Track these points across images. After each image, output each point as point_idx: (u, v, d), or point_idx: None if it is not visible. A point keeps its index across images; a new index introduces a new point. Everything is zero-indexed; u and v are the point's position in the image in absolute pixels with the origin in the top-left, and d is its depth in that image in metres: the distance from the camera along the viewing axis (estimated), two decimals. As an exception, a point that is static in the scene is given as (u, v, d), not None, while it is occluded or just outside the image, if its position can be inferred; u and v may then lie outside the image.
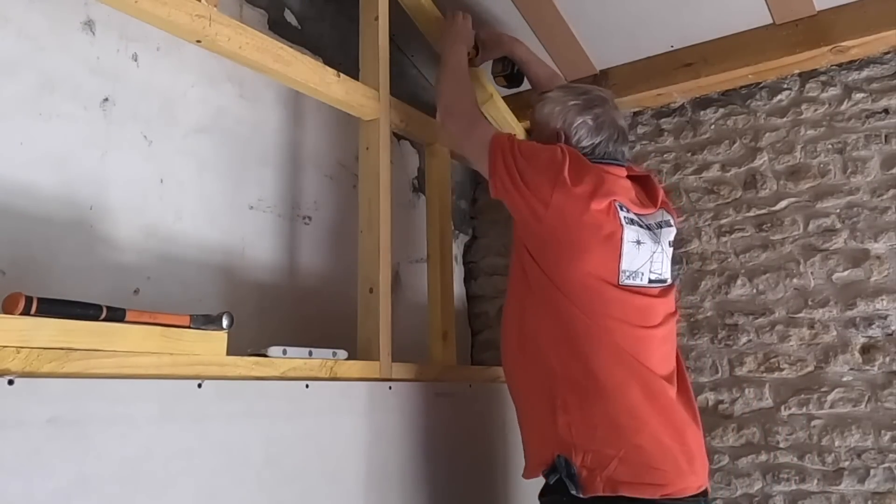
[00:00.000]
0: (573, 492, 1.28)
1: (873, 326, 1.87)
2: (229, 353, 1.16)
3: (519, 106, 2.30)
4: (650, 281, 1.42)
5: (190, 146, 1.54)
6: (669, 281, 1.49)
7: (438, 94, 1.72)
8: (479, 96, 2.17)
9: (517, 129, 2.31)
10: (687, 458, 1.33)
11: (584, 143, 1.51)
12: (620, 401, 1.32)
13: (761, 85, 2.13)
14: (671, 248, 1.50)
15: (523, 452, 1.46)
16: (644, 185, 1.58)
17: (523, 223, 1.46)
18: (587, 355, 1.35)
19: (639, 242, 1.40)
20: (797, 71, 2.06)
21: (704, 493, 1.36)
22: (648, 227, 1.45)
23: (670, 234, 1.51)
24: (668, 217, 1.53)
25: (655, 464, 1.29)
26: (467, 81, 1.72)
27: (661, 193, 1.57)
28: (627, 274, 1.38)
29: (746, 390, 2.01)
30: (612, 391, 1.32)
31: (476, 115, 1.64)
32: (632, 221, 1.41)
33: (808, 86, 2.06)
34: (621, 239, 1.37)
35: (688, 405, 1.42)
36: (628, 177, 1.54)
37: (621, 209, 1.40)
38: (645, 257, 1.41)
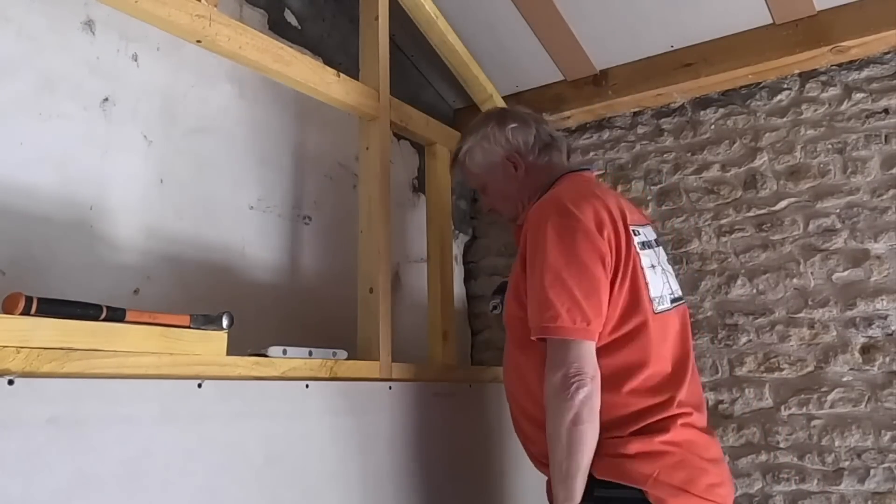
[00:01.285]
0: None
1: (873, 326, 1.87)
2: (229, 353, 1.16)
3: (520, 105, 2.30)
4: (672, 301, 1.37)
5: (190, 146, 1.54)
6: (682, 299, 1.45)
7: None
8: (478, 95, 2.18)
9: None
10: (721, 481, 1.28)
11: (531, 140, 1.47)
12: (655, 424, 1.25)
13: (761, 85, 2.13)
14: (670, 264, 1.47)
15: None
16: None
17: None
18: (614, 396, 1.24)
19: (653, 266, 1.35)
20: (797, 71, 2.06)
21: None
22: (653, 244, 1.41)
23: (663, 251, 1.47)
24: (654, 233, 1.47)
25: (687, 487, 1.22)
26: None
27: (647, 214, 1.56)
28: (657, 301, 1.32)
29: (746, 390, 2.01)
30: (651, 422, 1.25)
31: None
32: (644, 245, 1.35)
33: (808, 86, 2.06)
34: (642, 268, 1.31)
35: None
36: None
37: (635, 234, 1.33)
38: (661, 278, 1.36)
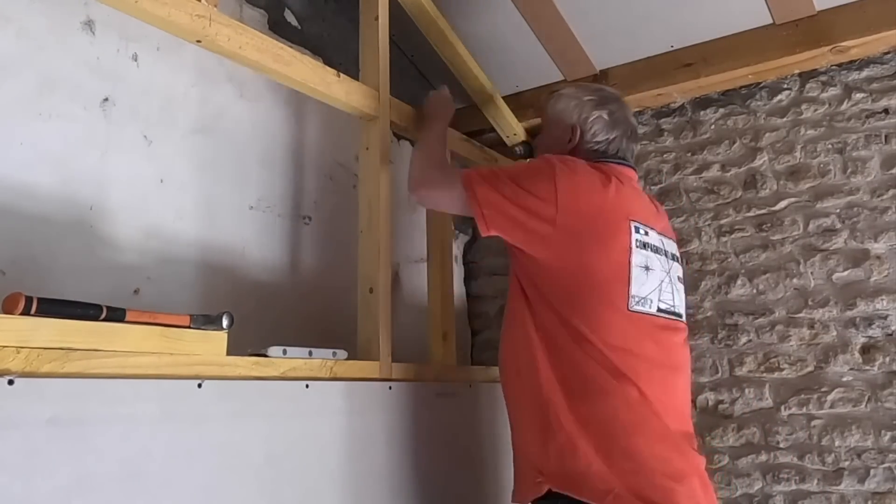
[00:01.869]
0: None
1: (873, 326, 1.87)
2: (229, 353, 1.15)
3: (519, 106, 2.30)
4: (659, 310, 1.37)
5: (190, 146, 1.54)
6: (683, 316, 1.45)
7: (410, 170, 1.60)
8: (478, 95, 2.18)
9: (517, 129, 2.31)
10: (688, 495, 1.26)
11: (600, 138, 1.49)
12: (625, 440, 1.26)
13: (761, 85, 2.13)
14: (681, 284, 1.47)
15: (513, 476, 1.41)
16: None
17: (529, 248, 1.37)
18: (592, 395, 1.29)
19: (647, 268, 1.36)
20: (797, 71, 2.06)
21: None
22: (664, 253, 1.42)
23: (679, 270, 1.47)
24: (677, 252, 1.49)
25: (656, 499, 1.22)
26: (441, 153, 1.64)
27: (667, 220, 1.54)
28: (637, 300, 1.33)
29: (746, 390, 2.01)
30: (617, 429, 1.27)
31: (448, 171, 1.54)
32: (644, 245, 1.36)
33: (808, 86, 2.06)
34: (629, 263, 1.32)
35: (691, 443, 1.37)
36: None
37: (636, 230, 1.35)
38: (654, 284, 1.36)
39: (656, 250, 1.39)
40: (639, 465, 1.24)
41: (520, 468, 1.39)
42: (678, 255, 1.50)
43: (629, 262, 1.32)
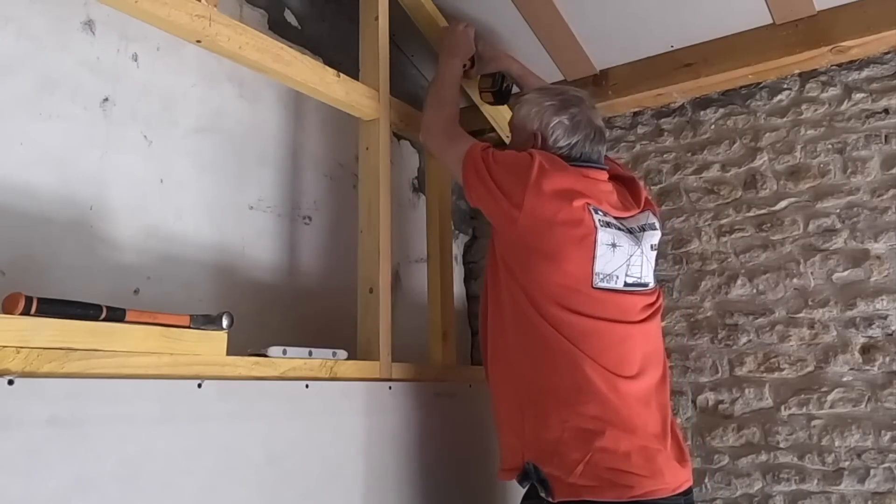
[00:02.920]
0: (544, 496, 1.29)
1: (873, 326, 1.87)
2: (229, 353, 1.16)
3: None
4: (626, 284, 1.41)
5: (190, 146, 1.54)
6: (651, 284, 1.48)
7: (425, 105, 1.73)
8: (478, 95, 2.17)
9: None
10: (662, 459, 1.32)
11: (561, 143, 1.51)
12: (584, 407, 1.31)
13: (761, 85, 2.13)
14: (653, 252, 1.50)
15: (499, 455, 1.46)
16: (628, 186, 1.58)
17: (500, 230, 1.49)
18: (551, 364, 1.35)
19: (614, 245, 1.40)
20: (797, 71, 2.05)
21: (685, 493, 1.35)
22: (629, 231, 1.45)
23: (653, 237, 1.50)
24: (652, 220, 1.52)
25: (622, 467, 1.27)
26: (453, 98, 1.73)
27: (645, 194, 1.57)
28: (601, 277, 1.38)
29: (746, 390, 2.01)
30: (576, 397, 1.32)
31: (454, 130, 1.63)
32: (608, 224, 1.40)
33: (808, 86, 2.06)
34: (595, 241, 1.37)
35: (664, 405, 1.42)
36: (611, 178, 1.54)
37: (596, 212, 1.39)
38: (620, 260, 1.41)
39: (620, 227, 1.43)
40: (597, 434, 1.29)
41: (502, 444, 1.46)
42: (656, 222, 1.52)
43: (595, 241, 1.37)
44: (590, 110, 1.56)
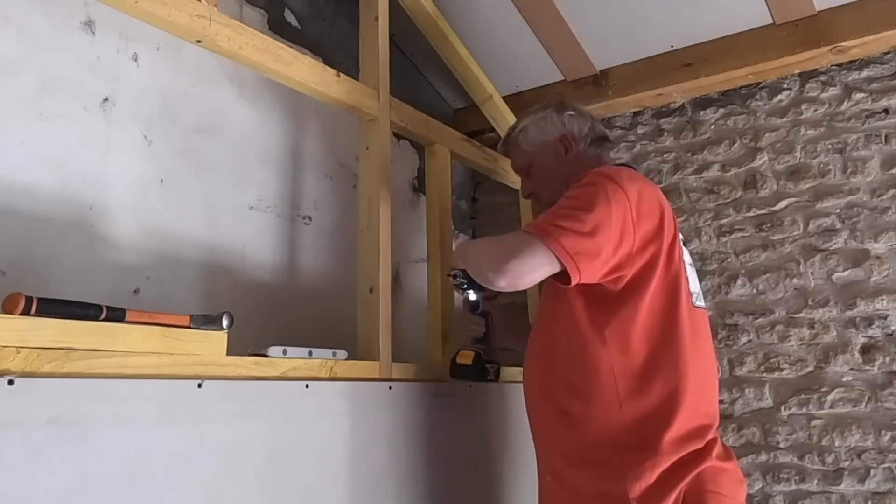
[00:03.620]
0: None
1: (873, 326, 1.87)
2: (229, 353, 1.15)
3: (519, 105, 2.30)
4: (699, 299, 1.37)
5: (190, 146, 1.54)
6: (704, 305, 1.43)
7: (477, 266, 1.31)
8: (478, 95, 2.18)
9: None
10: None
11: (585, 129, 1.49)
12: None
13: (761, 85, 2.13)
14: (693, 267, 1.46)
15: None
16: None
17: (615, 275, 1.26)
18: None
19: (690, 264, 1.37)
20: (797, 71, 2.06)
21: None
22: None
23: (686, 253, 1.44)
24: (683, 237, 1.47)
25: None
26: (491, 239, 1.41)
27: None
28: (695, 296, 1.33)
29: (746, 390, 2.01)
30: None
31: (514, 239, 1.24)
32: (683, 242, 1.36)
33: (808, 86, 2.07)
34: (683, 261, 1.32)
35: None
36: None
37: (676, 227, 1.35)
38: (694, 274, 1.38)
39: (684, 243, 1.39)
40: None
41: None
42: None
43: (682, 260, 1.31)
44: (574, 103, 1.58)
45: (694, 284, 1.34)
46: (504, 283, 1.21)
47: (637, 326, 1.24)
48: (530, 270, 1.19)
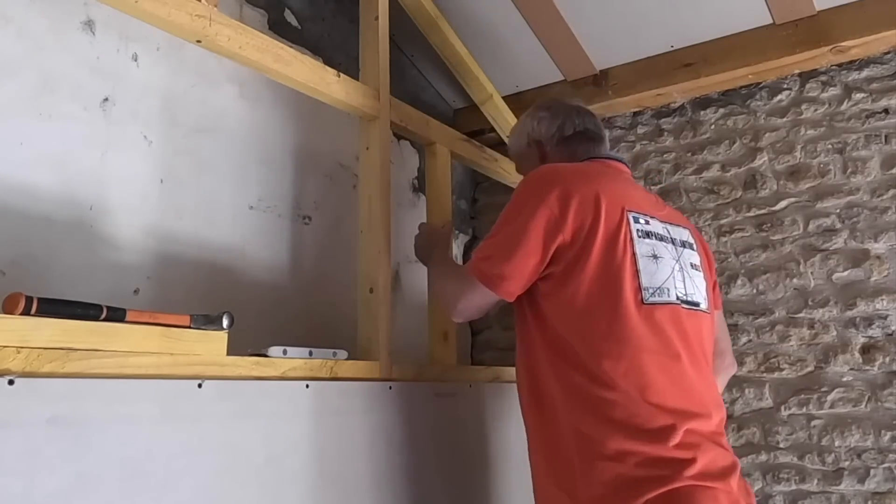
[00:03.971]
0: None
1: (873, 326, 1.87)
2: (229, 353, 1.15)
3: (519, 105, 2.30)
4: (677, 298, 1.28)
5: (190, 146, 1.54)
6: (704, 307, 1.34)
7: (440, 301, 1.56)
8: (478, 95, 2.18)
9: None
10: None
11: (553, 130, 1.51)
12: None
13: (761, 85, 2.13)
14: (698, 272, 1.38)
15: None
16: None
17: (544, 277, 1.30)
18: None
19: (655, 256, 1.29)
20: (797, 71, 2.06)
21: None
22: (671, 241, 1.35)
23: (693, 256, 1.39)
24: (691, 239, 1.42)
25: None
26: (453, 270, 1.52)
27: (682, 216, 1.50)
28: (651, 291, 1.25)
29: (746, 390, 2.01)
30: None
31: (463, 277, 1.36)
32: (647, 234, 1.30)
33: (808, 86, 2.06)
34: (634, 254, 1.25)
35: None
36: None
37: (635, 220, 1.30)
38: (666, 273, 1.29)
39: (661, 238, 1.33)
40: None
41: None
42: (692, 241, 1.42)
43: (634, 253, 1.26)
44: (568, 104, 1.56)
45: (650, 279, 1.25)
46: (461, 320, 1.43)
47: (570, 320, 1.25)
48: (475, 305, 1.35)
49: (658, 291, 1.27)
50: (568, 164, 1.41)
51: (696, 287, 1.35)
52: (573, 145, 1.50)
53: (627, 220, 1.29)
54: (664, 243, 1.33)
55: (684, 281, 1.33)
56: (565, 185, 1.29)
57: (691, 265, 1.37)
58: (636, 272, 1.25)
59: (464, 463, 1.68)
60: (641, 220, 1.32)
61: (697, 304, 1.33)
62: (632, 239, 1.27)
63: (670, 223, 1.40)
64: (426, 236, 1.72)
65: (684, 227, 1.44)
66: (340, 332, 1.60)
